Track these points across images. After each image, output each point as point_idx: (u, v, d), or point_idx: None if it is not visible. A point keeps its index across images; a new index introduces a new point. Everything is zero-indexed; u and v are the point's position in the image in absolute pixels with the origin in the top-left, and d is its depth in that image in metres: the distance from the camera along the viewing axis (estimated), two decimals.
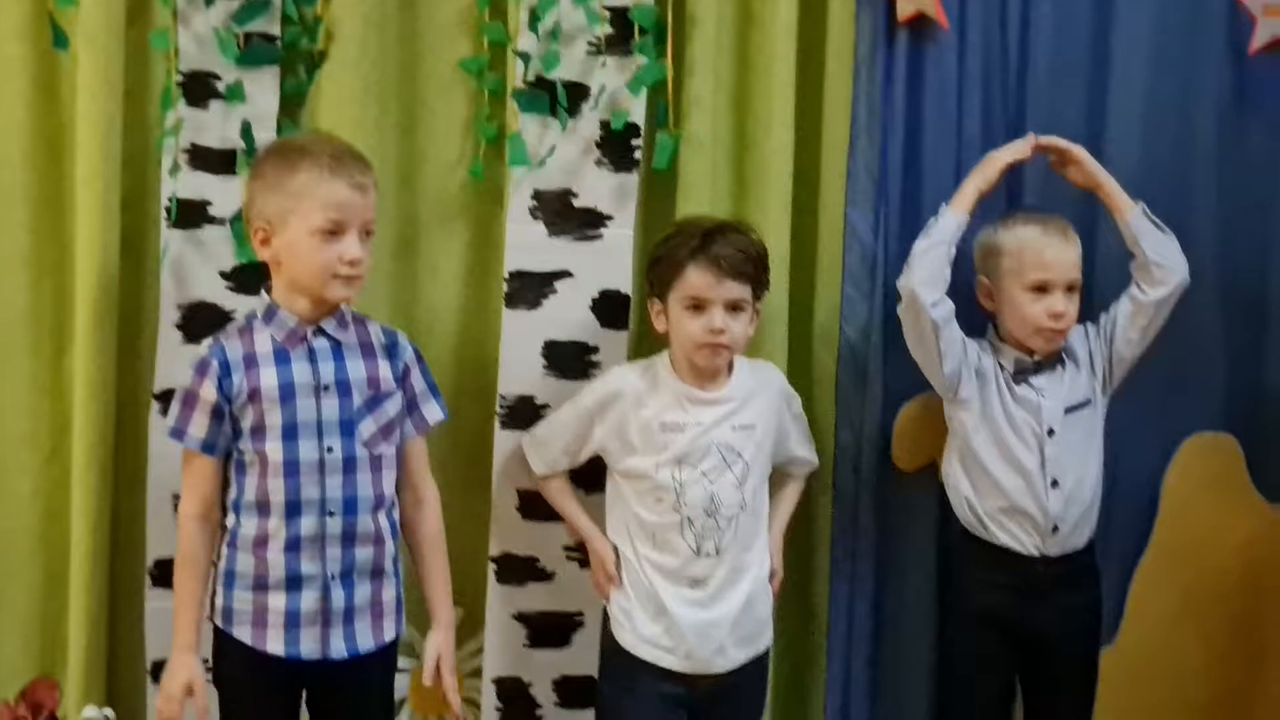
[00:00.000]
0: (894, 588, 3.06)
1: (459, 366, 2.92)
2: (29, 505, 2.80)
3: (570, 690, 2.90)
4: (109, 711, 2.80)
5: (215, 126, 2.77)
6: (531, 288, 2.85)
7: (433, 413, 2.63)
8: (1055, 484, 2.80)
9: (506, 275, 2.85)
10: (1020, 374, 2.82)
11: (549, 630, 2.88)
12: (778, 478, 2.85)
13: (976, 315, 2.90)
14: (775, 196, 2.95)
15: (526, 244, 2.85)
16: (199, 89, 2.76)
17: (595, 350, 2.87)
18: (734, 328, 2.66)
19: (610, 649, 2.74)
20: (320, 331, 2.52)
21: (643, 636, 2.69)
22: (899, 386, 2.99)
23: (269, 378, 2.47)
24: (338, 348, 2.53)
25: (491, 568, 2.89)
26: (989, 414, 2.82)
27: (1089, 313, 2.90)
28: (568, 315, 2.86)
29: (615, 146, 2.86)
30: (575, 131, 2.84)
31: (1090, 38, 3.04)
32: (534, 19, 2.79)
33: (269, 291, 2.53)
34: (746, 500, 2.70)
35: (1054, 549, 2.81)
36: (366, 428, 2.53)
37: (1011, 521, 2.80)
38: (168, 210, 2.75)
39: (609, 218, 2.86)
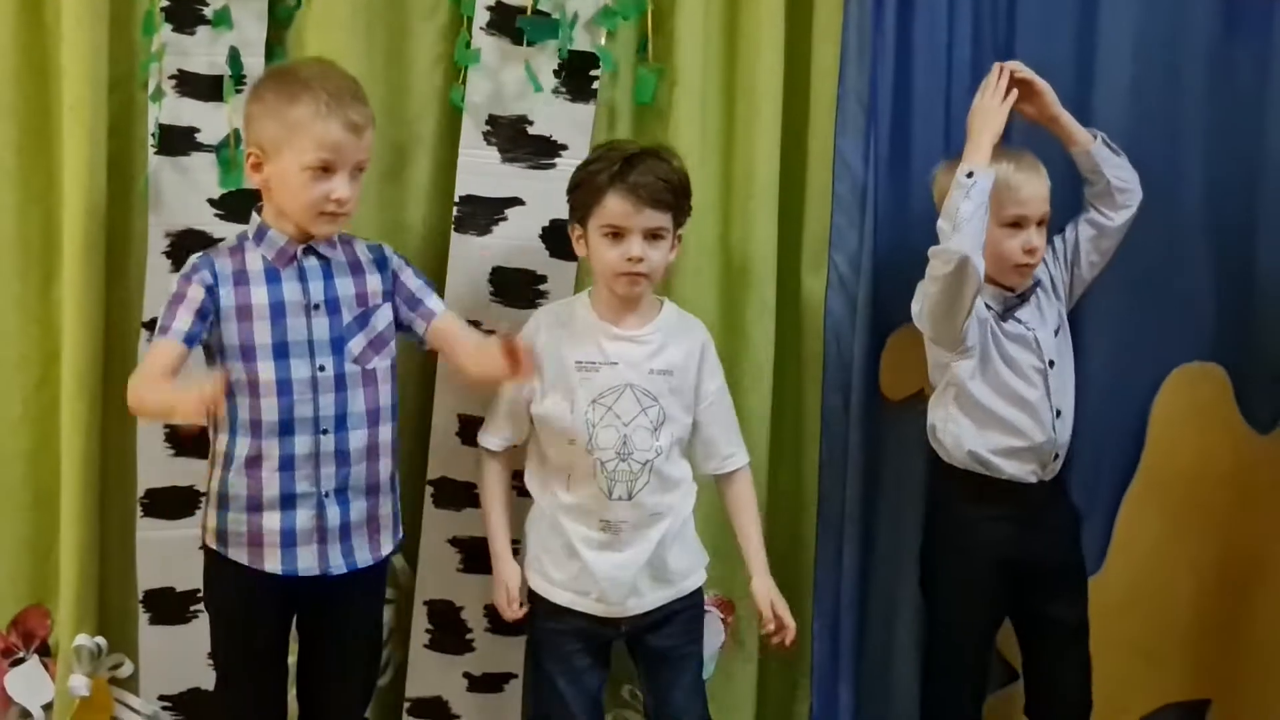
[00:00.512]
0: (885, 520, 3.08)
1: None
2: (19, 430, 2.78)
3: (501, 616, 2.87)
4: (101, 640, 2.80)
5: (202, 52, 2.73)
6: (482, 213, 2.84)
7: (435, 303, 2.62)
8: (1059, 413, 2.82)
9: (457, 199, 2.83)
10: (1008, 311, 2.82)
11: (483, 555, 2.84)
12: (718, 483, 2.80)
13: None
14: (764, 126, 2.95)
15: (478, 169, 2.83)
16: (186, 14, 2.72)
17: (544, 280, 2.86)
18: (653, 256, 2.62)
19: (530, 593, 2.72)
20: (310, 250, 2.52)
21: (555, 581, 2.68)
22: (888, 314, 2.99)
23: (259, 295, 2.47)
24: (327, 266, 2.53)
25: (429, 491, 2.88)
26: (987, 356, 2.81)
27: None
28: (517, 243, 2.85)
29: (574, 76, 2.84)
30: (535, 59, 2.82)
31: None
32: None
33: (259, 212, 2.53)
34: (662, 447, 2.66)
35: (1050, 474, 2.84)
36: (357, 344, 2.53)
37: (1016, 456, 2.81)
38: (153, 136, 2.73)
39: (564, 147, 2.83)
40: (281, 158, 2.45)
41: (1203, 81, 3.07)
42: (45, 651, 2.83)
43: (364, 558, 2.56)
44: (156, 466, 2.77)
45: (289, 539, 2.50)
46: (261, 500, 2.49)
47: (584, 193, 2.65)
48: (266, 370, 2.47)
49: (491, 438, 2.74)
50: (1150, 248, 3.01)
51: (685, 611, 2.74)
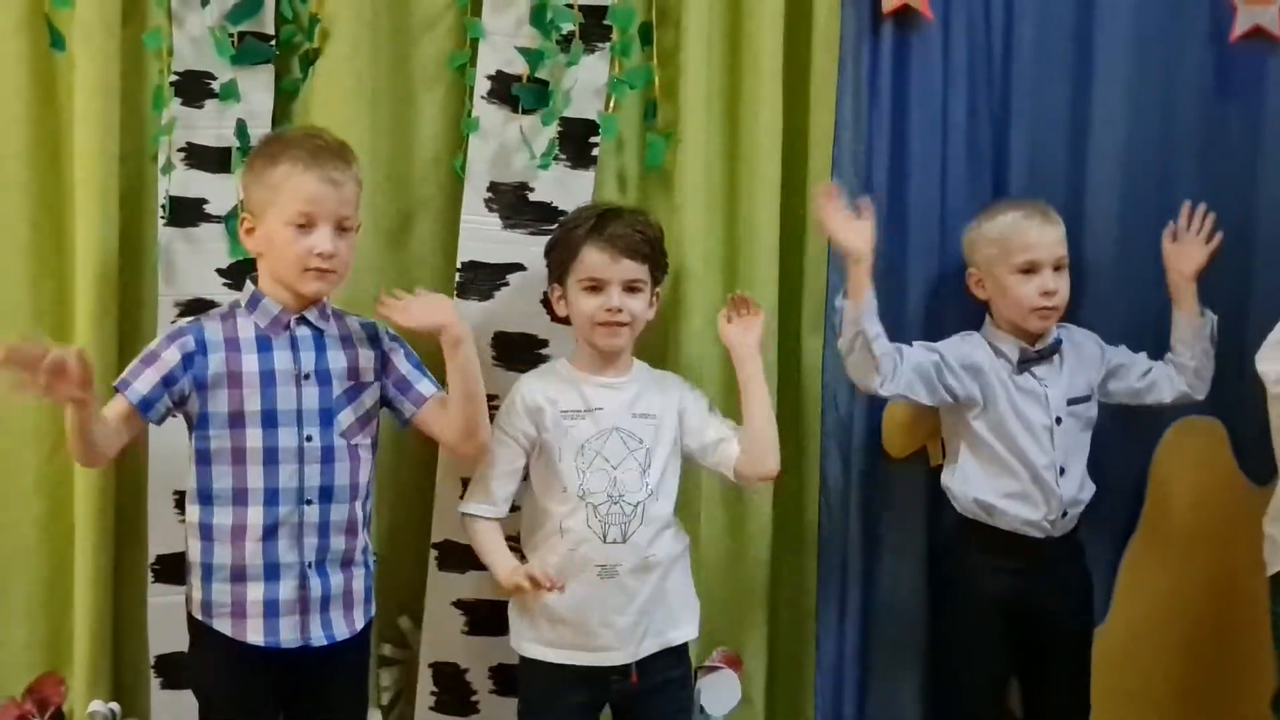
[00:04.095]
0: (885, 573, 3.10)
1: (435, 356, 2.85)
2: (32, 499, 2.81)
3: (506, 677, 2.90)
4: (115, 705, 2.82)
5: (211, 125, 2.79)
6: (484, 279, 2.88)
7: (427, 388, 2.64)
8: (1063, 471, 2.86)
9: (459, 266, 2.87)
10: (1024, 364, 2.87)
11: (487, 618, 2.89)
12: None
13: (970, 306, 2.97)
14: (764, 187, 2.99)
15: (480, 236, 2.88)
16: (194, 88, 2.78)
17: (545, 344, 2.89)
18: (632, 306, 2.68)
19: (522, 661, 2.74)
20: (303, 320, 2.55)
21: (550, 641, 2.69)
22: None
23: (250, 363, 2.50)
24: (320, 337, 2.56)
25: (433, 554, 2.90)
26: (993, 407, 2.87)
27: (1081, 293, 2.97)
28: (519, 308, 2.88)
29: (574, 143, 2.89)
30: (534, 126, 2.87)
31: (1073, 27, 3.09)
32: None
33: (254, 281, 2.57)
34: (652, 487, 2.70)
35: (1059, 531, 2.88)
36: (345, 418, 2.56)
37: (1023, 507, 2.85)
38: (163, 208, 2.78)
39: (564, 214, 2.87)
40: (267, 218, 2.50)
41: (1196, 138, 3.12)
42: (60, 718, 2.85)
43: (341, 631, 2.57)
44: (166, 533, 2.79)
45: (272, 609, 2.52)
46: (246, 571, 2.51)
47: (561, 250, 2.72)
48: (254, 438, 2.50)
49: (479, 505, 2.74)
50: (1148, 305, 3.06)
51: (675, 682, 2.77)
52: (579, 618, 2.67)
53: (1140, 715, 3.12)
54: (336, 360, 2.57)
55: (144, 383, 2.49)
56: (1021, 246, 2.84)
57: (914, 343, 2.89)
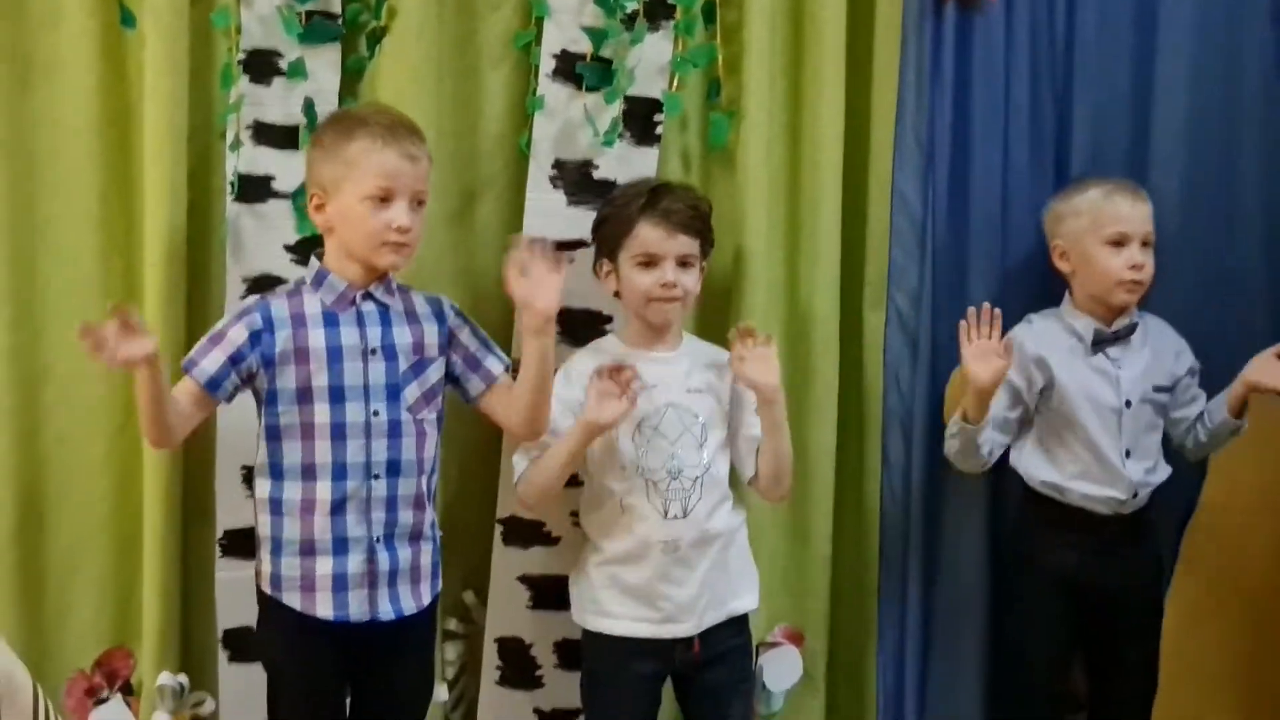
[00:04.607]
0: (947, 549, 3.11)
1: (502, 332, 2.88)
2: (101, 474, 2.82)
3: (570, 651, 2.92)
4: (183, 678, 2.84)
5: (278, 103, 2.80)
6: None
7: (495, 365, 2.65)
8: (1129, 454, 2.87)
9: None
10: (1098, 344, 2.89)
11: (551, 593, 2.91)
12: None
13: (1032, 284, 3.00)
14: (827, 166, 3.01)
15: (545, 212, 2.89)
16: (262, 66, 2.79)
17: (609, 320, 2.91)
18: (685, 280, 2.70)
19: (586, 635, 2.77)
20: (369, 296, 2.57)
21: (615, 614, 2.71)
22: (950, 351, 3.01)
23: (317, 339, 2.52)
24: (385, 313, 2.58)
25: (498, 530, 2.92)
26: (1063, 390, 2.88)
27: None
28: (583, 284, 2.88)
29: (638, 121, 2.91)
30: (598, 105, 2.88)
31: (1135, 6, 3.11)
32: None
33: (320, 258, 2.58)
34: (709, 461, 2.72)
35: (1128, 509, 2.88)
36: (411, 393, 2.57)
37: (1091, 486, 2.87)
38: (231, 185, 2.79)
39: None
40: (342, 194, 2.51)
41: (1259, 115, 3.12)
42: (128, 691, 2.87)
43: (409, 605, 2.59)
44: (234, 508, 2.81)
45: (340, 583, 2.53)
46: (315, 545, 2.53)
47: (613, 225, 2.73)
48: (322, 414, 2.52)
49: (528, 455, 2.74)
50: (1209, 278, 3.09)
51: (736, 650, 2.79)
52: (642, 592, 2.69)
53: (1201, 691, 3.13)
54: (402, 335, 2.58)
55: (211, 362, 2.50)
56: (1113, 218, 2.86)
57: None
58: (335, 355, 2.53)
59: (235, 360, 2.51)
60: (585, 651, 2.79)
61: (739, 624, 2.79)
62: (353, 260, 2.55)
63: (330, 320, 2.54)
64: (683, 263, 2.70)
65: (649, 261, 2.69)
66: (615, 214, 2.74)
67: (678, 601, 2.69)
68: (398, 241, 2.51)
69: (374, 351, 2.55)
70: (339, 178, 2.51)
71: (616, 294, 2.77)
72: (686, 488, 2.70)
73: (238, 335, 2.51)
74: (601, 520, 2.74)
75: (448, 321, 2.65)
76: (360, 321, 2.56)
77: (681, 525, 2.69)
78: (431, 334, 2.62)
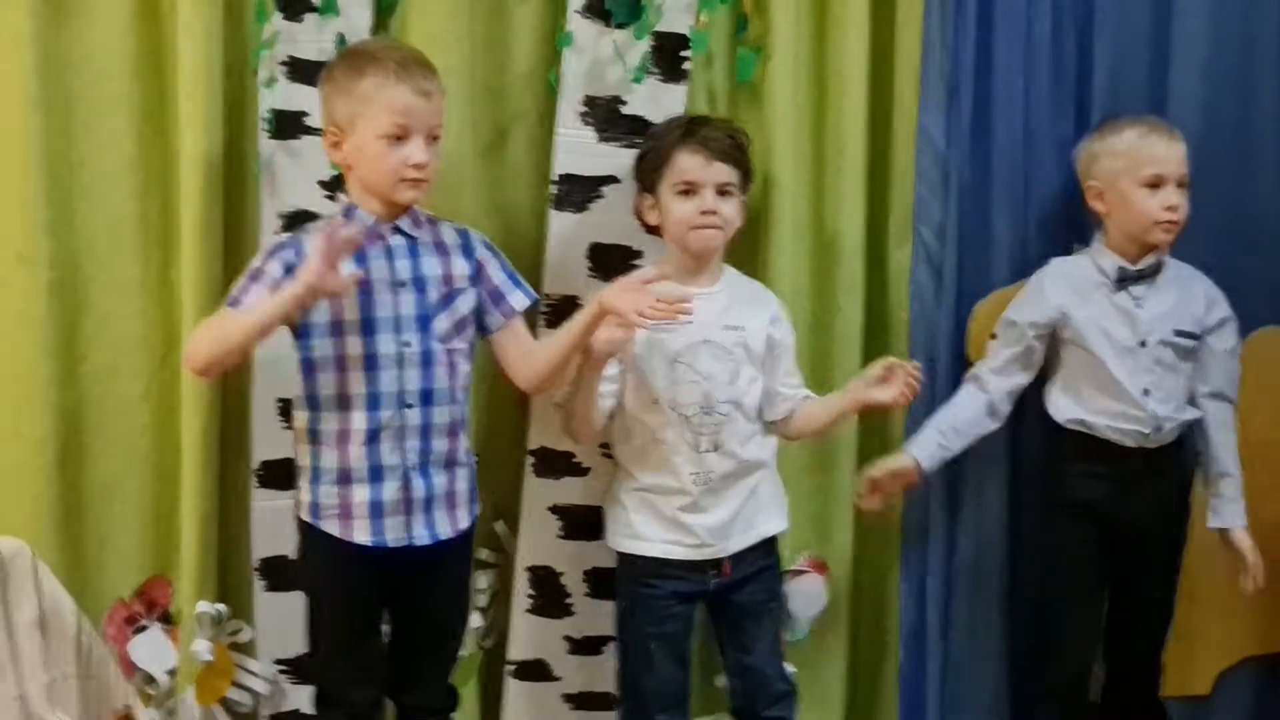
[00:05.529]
0: (970, 486, 3.15)
1: (532, 268, 2.92)
2: (141, 408, 2.87)
3: (600, 580, 2.97)
4: (222, 606, 2.90)
5: (311, 39, 2.82)
6: (579, 191, 2.92)
7: (518, 300, 2.69)
8: (1147, 392, 2.91)
9: (555, 178, 2.92)
10: (1121, 281, 2.92)
11: (582, 522, 2.96)
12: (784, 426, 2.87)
13: (1054, 220, 3.06)
14: (852, 103, 3.04)
15: (575, 148, 2.92)
16: (295, 2, 2.81)
17: (639, 255, 2.94)
18: (724, 209, 2.74)
19: (620, 557, 2.83)
20: (397, 230, 2.60)
21: (648, 537, 2.78)
22: (974, 284, 3.09)
23: (348, 272, 2.54)
24: (414, 245, 2.61)
25: (529, 460, 2.97)
26: (1079, 327, 2.93)
27: None
28: (614, 219, 2.93)
29: (666, 57, 2.93)
30: (626, 41, 2.90)
31: None
32: None
33: (345, 193, 2.62)
34: (740, 398, 2.77)
35: (1153, 443, 2.93)
36: (441, 323, 2.61)
37: (1115, 419, 2.91)
38: (266, 121, 2.82)
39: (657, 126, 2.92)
40: (357, 131, 2.53)
41: (1278, 57, 3.14)
42: (167, 619, 2.93)
43: (445, 530, 2.64)
44: (270, 440, 2.86)
45: (377, 510, 2.58)
46: (351, 474, 2.58)
47: (653, 158, 2.77)
48: (354, 345, 2.55)
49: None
50: (1227, 212, 3.12)
51: (767, 570, 2.86)
52: (674, 519, 2.75)
53: (1222, 619, 3.17)
54: (431, 267, 2.62)
55: (254, 296, 2.54)
56: (1149, 159, 2.88)
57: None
58: (366, 288, 2.56)
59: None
60: (619, 574, 2.85)
61: (768, 545, 2.86)
62: (373, 195, 2.58)
63: (359, 255, 2.56)
64: (722, 191, 2.74)
65: (688, 189, 2.73)
66: (655, 146, 2.78)
67: (709, 526, 2.76)
68: (415, 178, 2.54)
69: (403, 284, 2.59)
70: (353, 115, 2.53)
71: (657, 229, 2.80)
72: (718, 422, 2.75)
73: (274, 270, 2.54)
74: (633, 451, 2.79)
75: (476, 254, 2.68)
76: (389, 255, 2.59)
77: (713, 458, 2.75)
78: (460, 265, 2.65)
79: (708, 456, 2.75)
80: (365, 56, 2.57)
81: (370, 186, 2.57)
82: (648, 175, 2.79)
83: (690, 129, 2.75)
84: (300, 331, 2.58)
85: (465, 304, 2.65)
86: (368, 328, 2.56)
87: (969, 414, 2.97)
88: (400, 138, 2.52)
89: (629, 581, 2.83)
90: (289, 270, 2.53)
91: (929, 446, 2.96)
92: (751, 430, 2.80)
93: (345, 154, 2.57)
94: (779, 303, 2.90)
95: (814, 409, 2.85)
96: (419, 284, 2.60)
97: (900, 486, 2.98)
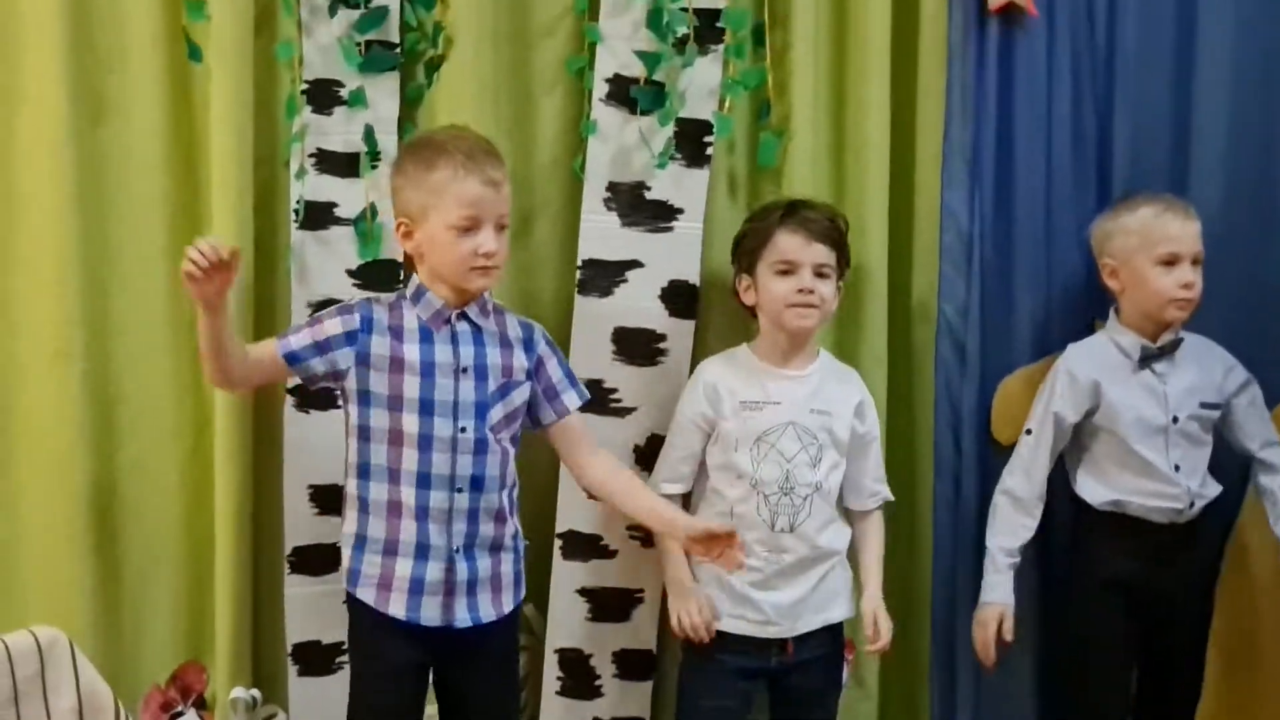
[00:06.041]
0: None
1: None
2: (175, 497, 2.91)
3: (629, 662, 3.01)
4: (256, 692, 2.92)
5: (339, 131, 2.88)
6: (604, 276, 2.97)
7: (571, 400, 2.73)
8: (1178, 468, 2.92)
9: (580, 263, 2.96)
10: (1145, 360, 2.94)
11: (610, 604, 2.99)
12: (854, 518, 2.93)
13: (1076, 296, 3.06)
14: (873, 180, 3.08)
15: (600, 234, 2.96)
16: (323, 96, 2.87)
17: (663, 338, 2.98)
18: (822, 289, 2.79)
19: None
20: (463, 316, 2.64)
21: (717, 612, 2.81)
22: (998, 361, 3.11)
23: (412, 352, 2.59)
24: (478, 333, 2.65)
25: (557, 544, 2.99)
26: (1112, 408, 2.93)
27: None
28: (637, 304, 2.97)
29: (689, 143, 2.97)
30: (651, 127, 2.95)
31: (1175, 19, 3.15)
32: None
33: (417, 274, 2.66)
34: (821, 482, 2.81)
35: (1185, 519, 2.94)
36: (496, 413, 2.64)
37: (1149, 498, 2.92)
38: (296, 212, 2.87)
39: (680, 211, 2.96)
40: (429, 221, 2.58)
41: None
42: (202, 704, 2.95)
43: (488, 613, 2.65)
44: (302, 525, 2.90)
45: (417, 587, 2.60)
46: (398, 547, 2.60)
47: (752, 239, 2.83)
48: (411, 424, 2.59)
49: (671, 484, 2.87)
50: (1251, 290, 3.13)
51: (830, 655, 2.89)
52: (744, 594, 2.79)
53: (1251, 694, 3.16)
54: (493, 357, 2.65)
55: (298, 340, 2.59)
56: (1164, 238, 2.90)
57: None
58: (428, 370, 2.60)
59: (321, 348, 2.58)
60: (684, 645, 2.87)
61: (833, 632, 2.89)
62: (442, 282, 2.62)
63: (425, 336, 2.61)
64: (819, 273, 2.79)
65: (787, 269, 2.79)
66: (755, 227, 2.85)
67: (777, 604, 2.79)
68: (485, 266, 2.59)
69: (465, 370, 2.62)
70: (425, 206, 2.58)
71: (754, 309, 2.85)
72: (796, 504, 2.79)
73: (332, 328, 2.59)
74: (708, 518, 2.80)
75: (537, 350, 2.72)
76: (454, 340, 2.63)
77: (789, 539, 2.79)
78: (520, 359, 2.69)
79: (783, 536, 2.79)
80: (434, 148, 2.61)
81: (441, 274, 2.61)
82: (747, 256, 2.85)
83: (791, 210, 2.82)
84: (359, 399, 2.61)
85: (520, 396, 2.69)
86: (425, 408, 2.59)
87: (1019, 533, 2.99)
88: (470, 229, 2.57)
89: (691, 653, 2.85)
90: (349, 335, 2.58)
91: (1004, 585, 2.97)
92: (830, 516, 2.84)
93: (417, 243, 2.61)
94: (866, 392, 2.94)
95: (869, 543, 2.93)
96: (480, 372, 2.64)
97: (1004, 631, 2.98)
